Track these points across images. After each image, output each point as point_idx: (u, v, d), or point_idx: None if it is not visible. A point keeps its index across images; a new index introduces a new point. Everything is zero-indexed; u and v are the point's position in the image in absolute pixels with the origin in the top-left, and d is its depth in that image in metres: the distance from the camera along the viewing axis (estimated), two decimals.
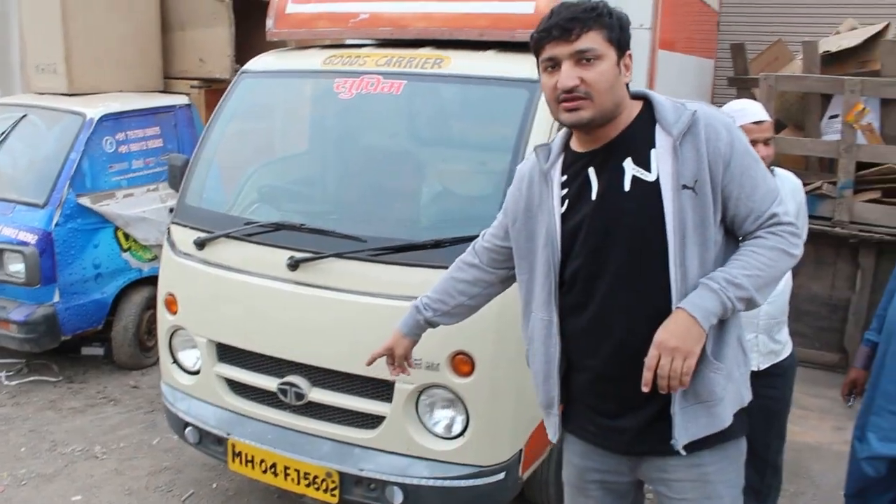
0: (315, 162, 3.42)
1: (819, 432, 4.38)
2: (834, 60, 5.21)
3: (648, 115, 1.92)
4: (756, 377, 2.79)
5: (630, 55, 1.93)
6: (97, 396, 4.58)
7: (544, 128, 2.84)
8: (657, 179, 1.87)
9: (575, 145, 2.00)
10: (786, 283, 2.94)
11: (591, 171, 1.94)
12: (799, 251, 1.94)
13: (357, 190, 3.18)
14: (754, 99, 5.26)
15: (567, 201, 1.97)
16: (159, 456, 3.93)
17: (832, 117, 5.17)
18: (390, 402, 2.84)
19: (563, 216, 1.97)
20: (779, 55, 5.62)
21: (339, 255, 2.88)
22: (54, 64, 4.98)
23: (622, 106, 1.90)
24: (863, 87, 4.77)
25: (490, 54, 3.15)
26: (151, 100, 5.20)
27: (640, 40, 3.83)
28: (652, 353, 1.82)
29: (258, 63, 3.54)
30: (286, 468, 2.97)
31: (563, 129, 2.04)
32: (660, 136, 1.88)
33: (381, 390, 2.86)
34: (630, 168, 1.90)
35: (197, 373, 3.28)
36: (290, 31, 3.57)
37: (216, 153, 3.40)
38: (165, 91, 5.57)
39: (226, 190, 3.37)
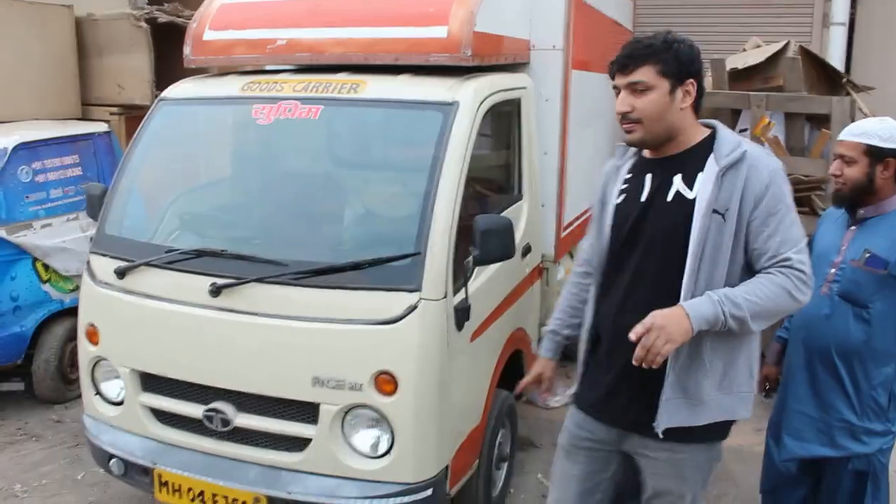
0: (235, 188, 3.43)
1: (741, 435, 4.53)
2: (741, 77, 5.46)
3: (709, 142, 2.24)
4: None
5: (693, 83, 2.22)
6: (17, 433, 4.45)
7: (460, 149, 2.93)
8: (695, 199, 2.18)
9: (646, 152, 2.34)
10: None
11: (649, 177, 2.29)
12: (804, 297, 2.14)
13: (277, 215, 3.21)
14: None
15: (624, 195, 2.32)
16: (84, 491, 3.84)
17: (742, 131, 5.40)
18: (316, 423, 2.86)
19: (618, 206, 2.32)
20: (715, 74, 5.84)
21: (260, 280, 2.90)
22: None
23: (678, 129, 2.24)
24: (767, 102, 5.02)
25: (405, 78, 3.22)
26: (69, 127, 5.09)
27: (552, 61, 3.97)
28: (644, 322, 2.07)
29: (176, 90, 3.53)
30: (214, 495, 2.96)
31: None
32: (710, 163, 2.19)
33: (307, 413, 2.88)
34: (677, 183, 2.22)
35: (120, 403, 3.23)
36: (207, 59, 3.58)
37: (135, 181, 3.39)
38: (84, 118, 5.47)
39: (146, 218, 3.35)
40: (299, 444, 2.91)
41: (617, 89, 2.28)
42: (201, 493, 2.98)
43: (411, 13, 3.28)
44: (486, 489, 3.45)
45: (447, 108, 3.00)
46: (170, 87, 3.57)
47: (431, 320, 2.78)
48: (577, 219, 4.69)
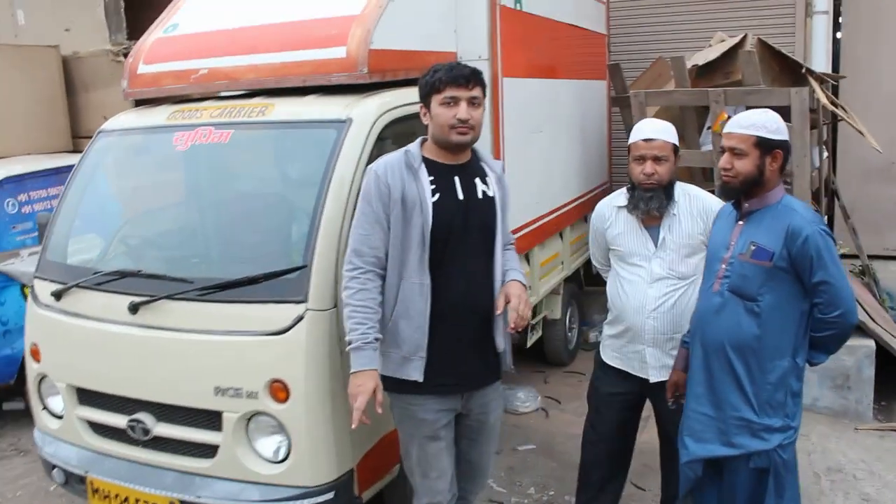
0: (157, 212, 3.64)
1: None
2: (705, 73, 5.43)
3: (474, 152, 2.91)
4: (653, 388, 3.13)
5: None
6: (8, 448, 4.77)
7: (350, 164, 3.06)
8: (494, 196, 2.87)
9: (443, 159, 2.81)
10: (675, 302, 3.04)
11: (457, 179, 2.80)
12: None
13: (190, 236, 3.42)
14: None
15: (438, 194, 2.74)
16: (53, 501, 4.11)
17: (708, 128, 5.37)
18: (221, 431, 3.03)
19: (436, 204, 2.72)
20: (661, 72, 5.84)
21: (169, 297, 3.09)
22: None
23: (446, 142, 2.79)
24: (726, 97, 4.98)
25: (310, 99, 3.38)
26: (56, 160, 5.44)
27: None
28: (508, 295, 2.80)
29: (115, 121, 3.77)
30: (137, 500, 3.15)
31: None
32: (488, 169, 2.91)
33: (213, 421, 3.04)
34: (480, 185, 2.84)
35: (62, 417, 3.47)
36: (141, 91, 3.82)
37: (75, 209, 3.63)
38: (76, 151, 5.82)
39: (82, 244, 3.58)
40: (209, 450, 3.08)
41: (454, 99, 2.71)
42: (126, 499, 3.18)
43: (317, 36, 3.43)
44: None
45: (340, 126, 3.14)
46: (111, 119, 3.82)
47: (319, 330, 2.92)
48: (532, 223, 4.76)
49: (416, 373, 2.76)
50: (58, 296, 3.39)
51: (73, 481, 3.38)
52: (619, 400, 3.28)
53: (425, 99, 2.77)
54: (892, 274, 6.53)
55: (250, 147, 3.33)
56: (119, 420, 3.23)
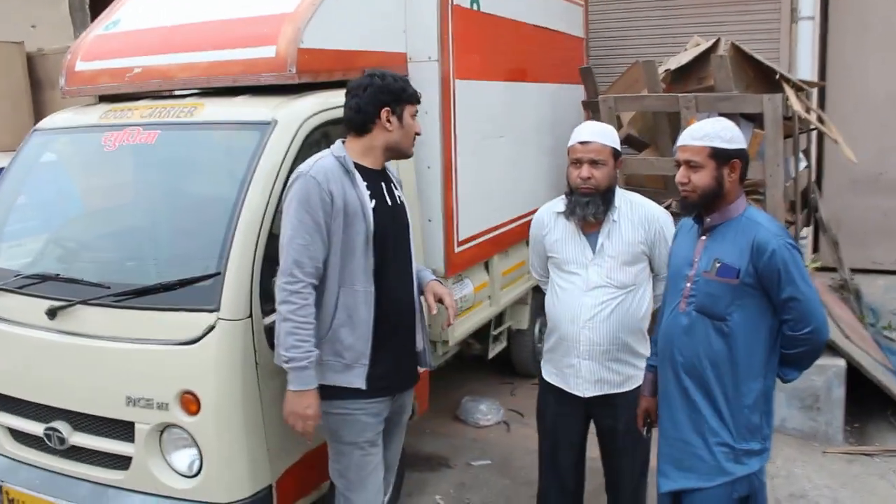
0: (83, 214, 3.54)
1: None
2: (679, 78, 5.29)
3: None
4: (591, 404, 3.00)
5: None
6: None
7: (272, 167, 2.94)
8: (404, 202, 2.94)
9: (375, 165, 2.83)
10: (612, 311, 2.90)
11: (383, 185, 2.84)
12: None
13: (111, 239, 3.31)
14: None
15: (375, 200, 2.75)
16: None
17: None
18: (134, 442, 2.92)
19: (375, 210, 2.73)
20: (637, 77, 5.68)
21: (84, 302, 2.99)
22: None
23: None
24: (697, 104, 4.84)
25: (240, 99, 3.27)
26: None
27: (428, 73, 3.94)
28: (437, 294, 2.97)
29: (51, 120, 3.69)
30: None
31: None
32: (391, 175, 2.95)
33: (127, 431, 2.94)
34: (397, 191, 2.92)
35: None
36: (78, 88, 3.72)
37: (3, 210, 3.54)
38: None
39: (8, 245, 3.48)
40: (124, 462, 2.98)
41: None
42: None
43: (249, 34, 3.32)
44: None
45: (264, 127, 3.02)
46: (47, 117, 3.73)
47: (231, 340, 2.80)
48: (491, 231, 4.63)
49: (358, 380, 2.74)
50: None
51: None
52: (566, 422, 3.11)
53: (397, 104, 2.77)
54: (878, 289, 6.35)
55: (176, 148, 3.23)
56: (36, 428, 3.14)
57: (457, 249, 4.21)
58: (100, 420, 2.99)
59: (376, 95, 2.73)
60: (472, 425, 5.03)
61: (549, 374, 3.12)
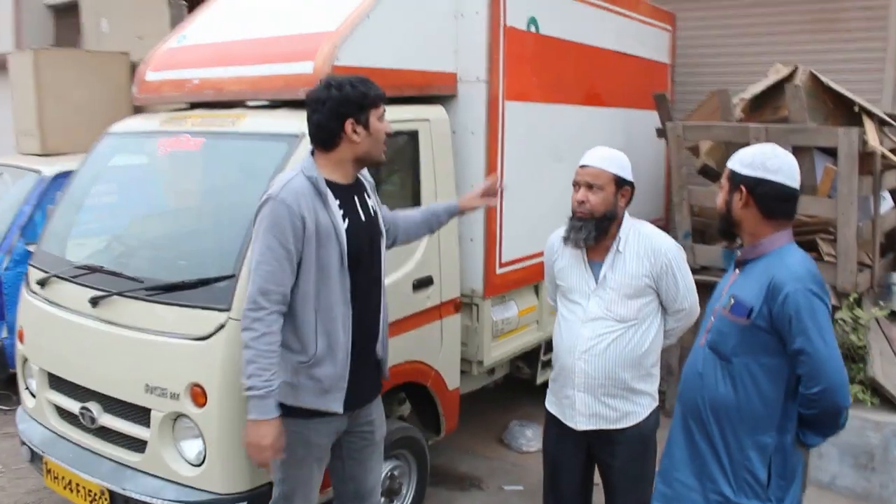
0: (133, 212, 3.81)
1: None
2: (758, 107, 5.08)
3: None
4: (590, 437, 2.95)
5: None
6: None
7: None
8: (377, 209, 2.88)
9: (344, 180, 2.74)
10: (609, 345, 2.82)
11: (356, 198, 2.77)
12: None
13: (154, 237, 3.55)
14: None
15: (348, 219, 2.69)
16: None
17: None
18: (149, 427, 3.12)
19: (349, 230, 2.67)
20: (718, 106, 5.50)
21: (121, 294, 3.23)
22: (31, 128, 5.73)
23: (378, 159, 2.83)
24: (767, 135, 4.63)
25: (280, 112, 3.45)
26: None
27: (476, 93, 3.98)
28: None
29: (121, 125, 4.00)
30: (77, 485, 3.30)
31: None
32: (364, 182, 2.87)
33: (145, 417, 3.14)
34: (367, 199, 2.83)
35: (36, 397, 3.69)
36: (146, 97, 4.03)
37: (72, 205, 3.87)
38: None
39: (72, 237, 3.80)
40: (141, 445, 3.18)
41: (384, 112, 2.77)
42: (69, 482, 3.33)
43: (292, 51, 3.49)
44: None
45: (292, 139, 3.17)
46: (118, 122, 4.04)
47: (239, 339, 2.92)
48: (537, 256, 4.57)
49: (336, 404, 2.71)
50: (42, 284, 3.61)
51: (37, 460, 3.57)
52: (566, 452, 3.03)
53: (361, 112, 2.64)
54: None
55: (216, 156, 3.44)
56: (74, 406, 3.40)
57: (499, 271, 4.21)
58: (124, 404, 3.21)
59: (336, 109, 2.61)
60: (515, 450, 4.99)
61: (550, 404, 3.07)
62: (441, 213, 3.24)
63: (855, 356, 4.25)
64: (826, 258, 4.59)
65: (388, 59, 3.63)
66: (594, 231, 2.81)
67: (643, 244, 2.87)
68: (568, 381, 2.91)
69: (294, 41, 3.56)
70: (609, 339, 2.83)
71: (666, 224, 6.06)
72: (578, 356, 2.86)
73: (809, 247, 4.74)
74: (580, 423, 2.90)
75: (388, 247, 3.01)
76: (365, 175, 2.89)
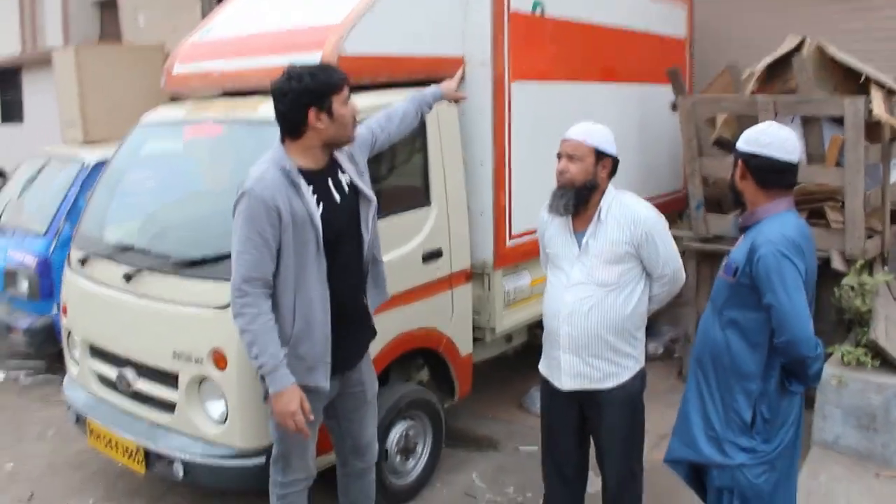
0: (162, 194, 4.10)
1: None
2: (770, 79, 5.14)
3: None
4: (579, 398, 3.14)
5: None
6: None
7: None
8: (353, 182, 2.93)
9: (314, 165, 2.83)
10: (590, 309, 2.98)
11: (329, 181, 2.85)
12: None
13: (181, 218, 3.84)
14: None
15: (322, 203, 2.78)
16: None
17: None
18: (177, 390, 3.42)
19: (324, 215, 2.76)
20: (733, 80, 5.56)
21: (150, 270, 3.53)
22: (74, 119, 6.11)
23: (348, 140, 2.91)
24: (776, 106, 4.71)
25: None
26: None
27: (482, 75, 4.17)
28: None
29: (152, 115, 4.30)
30: (116, 443, 3.64)
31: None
32: (343, 162, 2.94)
33: (173, 381, 3.44)
34: (341, 176, 2.90)
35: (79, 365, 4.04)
36: (174, 89, 4.31)
37: (108, 189, 4.19)
38: None
39: (108, 218, 4.13)
40: (171, 407, 3.49)
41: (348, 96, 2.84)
42: (110, 440, 3.67)
43: (304, 42, 3.72)
44: (378, 476, 3.70)
45: None
46: (149, 112, 4.34)
47: None
48: None
49: (322, 379, 2.86)
50: (82, 262, 3.94)
51: (81, 421, 3.92)
52: (558, 411, 3.22)
53: (322, 101, 2.71)
54: None
55: (234, 141, 3.70)
56: (112, 373, 3.73)
57: (509, 243, 4.39)
58: (155, 370, 3.52)
59: (298, 99, 2.69)
60: (533, 414, 5.15)
61: (542, 366, 3.26)
62: (429, 98, 3.40)
63: (861, 321, 4.34)
64: (834, 225, 4.67)
65: (395, 46, 3.84)
66: (573, 199, 2.98)
67: (624, 213, 3.02)
68: (555, 344, 3.09)
69: (306, 33, 3.78)
70: (590, 303, 2.99)
71: (684, 196, 6.15)
72: (563, 320, 3.03)
73: (819, 214, 4.82)
74: (566, 383, 3.08)
75: (373, 153, 3.16)
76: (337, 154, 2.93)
